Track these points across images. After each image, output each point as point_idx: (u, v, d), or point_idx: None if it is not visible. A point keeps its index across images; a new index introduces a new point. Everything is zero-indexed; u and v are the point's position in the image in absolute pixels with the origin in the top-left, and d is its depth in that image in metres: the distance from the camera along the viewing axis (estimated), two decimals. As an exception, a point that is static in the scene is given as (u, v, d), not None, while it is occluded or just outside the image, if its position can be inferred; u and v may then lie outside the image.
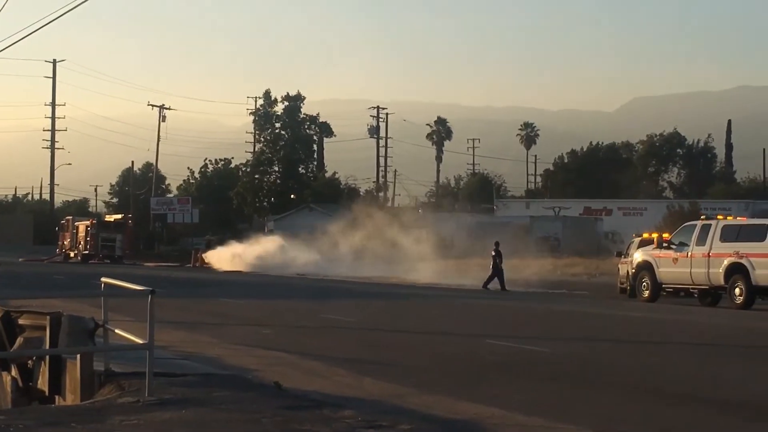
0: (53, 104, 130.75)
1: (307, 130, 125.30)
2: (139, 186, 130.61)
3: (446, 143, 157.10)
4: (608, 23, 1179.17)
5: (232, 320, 28.55)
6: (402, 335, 24.44)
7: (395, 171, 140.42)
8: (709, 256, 38.31)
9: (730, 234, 38.18)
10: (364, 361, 18.56)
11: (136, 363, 14.92)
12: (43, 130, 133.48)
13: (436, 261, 76.09)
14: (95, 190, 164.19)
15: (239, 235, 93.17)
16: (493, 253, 52.30)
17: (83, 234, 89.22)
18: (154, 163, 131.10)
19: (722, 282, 37.77)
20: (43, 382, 16.72)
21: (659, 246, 41.09)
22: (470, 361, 19.01)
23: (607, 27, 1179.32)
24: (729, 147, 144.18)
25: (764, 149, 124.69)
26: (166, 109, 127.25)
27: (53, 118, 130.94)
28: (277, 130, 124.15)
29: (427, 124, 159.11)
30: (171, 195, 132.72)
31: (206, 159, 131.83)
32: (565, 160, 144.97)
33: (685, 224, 42.38)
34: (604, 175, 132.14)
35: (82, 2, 25.07)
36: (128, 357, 15.94)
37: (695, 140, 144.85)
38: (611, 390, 15.73)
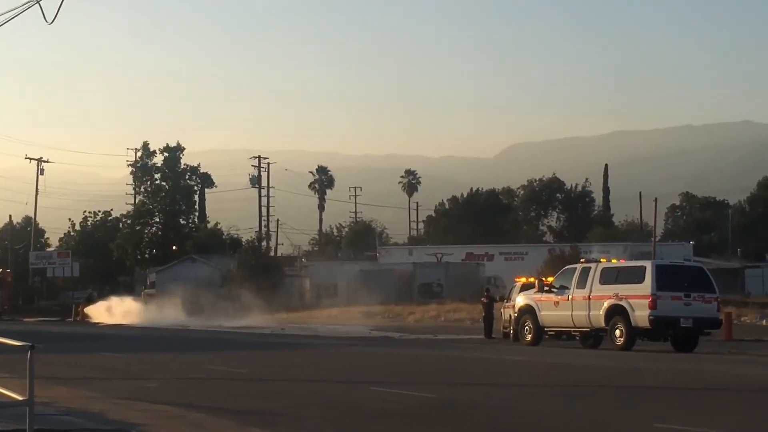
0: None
1: (188, 181, 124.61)
2: (18, 240, 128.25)
3: (328, 192, 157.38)
4: (484, 70, 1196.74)
5: (116, 374, 28.13)
6: (289, 384, 24.32)
7: (278, 220, 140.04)
8: (589, 298, 38.79)
9: (610, 276, 38.71)
10: (251, 411, 18.41)
11: (16, 420, 14.61)
12: None
13: (320, 309, 76.08)
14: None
15: (121, 288, 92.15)
16: (484, 300, 51.58)
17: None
18: (33, 217, 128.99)
19: (603, 324, 38.22)
20: None
21: (541, 290, 41.53)
22: (358, 408, 18.98)
23: (483, 74, 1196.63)
24: (606, 191, 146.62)
25: (640, 192, 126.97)
26: (44, 162, 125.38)
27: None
28: (157, 182, 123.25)
29: (310, 172, 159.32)
30: (51, 249, 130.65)
31: (86, 212, 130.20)
32: (447, 207, 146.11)
33: (566, 268, 42.81)
34: (485, 220, 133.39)
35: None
36: (8, 414, 15.59)
37: (573, 185, 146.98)
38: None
